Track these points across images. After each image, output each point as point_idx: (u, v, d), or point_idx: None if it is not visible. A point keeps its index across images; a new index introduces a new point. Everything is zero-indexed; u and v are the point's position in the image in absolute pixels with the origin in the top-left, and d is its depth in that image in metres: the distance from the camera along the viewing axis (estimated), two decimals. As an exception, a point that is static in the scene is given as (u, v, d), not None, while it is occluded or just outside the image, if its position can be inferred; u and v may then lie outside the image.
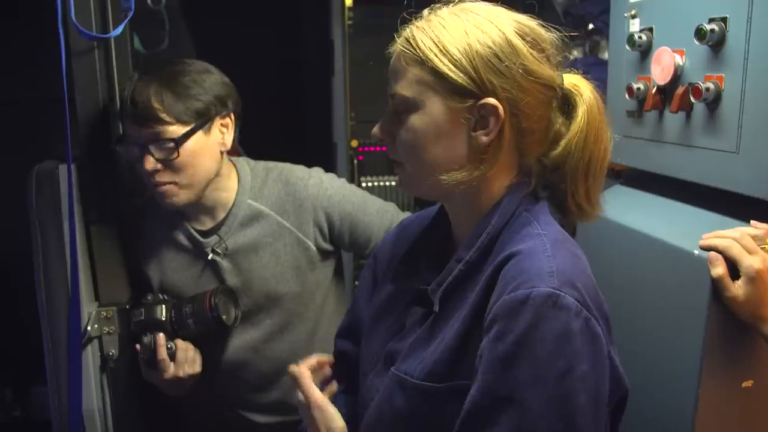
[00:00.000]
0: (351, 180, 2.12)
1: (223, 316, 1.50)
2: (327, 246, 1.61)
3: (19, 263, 1.66)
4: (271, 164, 1.63)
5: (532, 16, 0.97)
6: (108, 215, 1.57)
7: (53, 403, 1.60)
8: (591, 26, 2.14)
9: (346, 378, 1.22)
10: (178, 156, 1.42)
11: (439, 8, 0.97)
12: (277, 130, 1.86)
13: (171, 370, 1.50)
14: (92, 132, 1.53)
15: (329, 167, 2.10)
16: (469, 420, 0.85)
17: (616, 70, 1.58)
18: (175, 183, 1.45)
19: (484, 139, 0.93)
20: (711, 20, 1.23)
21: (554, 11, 2.32)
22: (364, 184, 2.19)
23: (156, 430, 1.76)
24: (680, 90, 1.31)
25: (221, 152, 1.51)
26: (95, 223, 1.56)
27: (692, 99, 1.28)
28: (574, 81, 0.98)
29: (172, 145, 1.41)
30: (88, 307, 1.56)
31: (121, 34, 1.53)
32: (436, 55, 0.91)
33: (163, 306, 1.53)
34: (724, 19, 1.21)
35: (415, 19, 0.97)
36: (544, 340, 0.81)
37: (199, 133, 1.44)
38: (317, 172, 1.62)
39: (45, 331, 1.58)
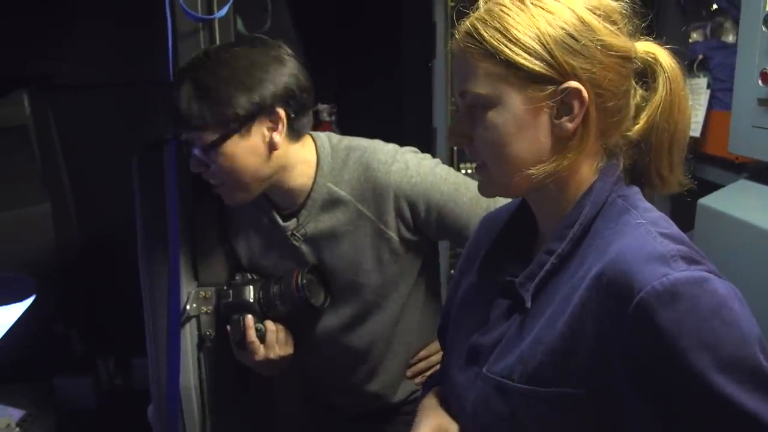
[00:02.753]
0: (450, 166, 2.06)
1: (311, 298, 1.46)
2: (411, 236, 1.49)
3: (125, 239, 1.71)
4: (355, 143, 1.50)
5: None
6: (209, 195, 1.58)
7: (152, 377, 1.64)
8: (714, 6, 1.98)
9: None
10: (211, 162, 1.36)
11: None
12: (375, 113, 1.84)
13: (261, 352, 1.48)
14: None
15: (428, 152, 2.06)
16: None
17: (747, 53, 1.45)
18: (224, 183, 1.41)
19: (570, 125, 0.87)
20: None
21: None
22: (463, 171, 2.13)
23: (250, 411, 1.78)
24: (827, 76, 1.18)
25: (271, 152, 1.39)
26: (196, 203, 1.58)
27: (842, 86, 1.15)
28: (648, 48, 0.91)
29: (202, 151, 1.36)
30: (187, 287, 1.58)
31: (225, 16, 1.54)
32: (506, 46, 0.85)
33: (251, 287, 1.51)
34: None
35: (472, 11, 0.91)
36: (706, 319, 0.76)
37: (235, 138, 1.35)
38: (404, 155, 1.47)
39: (146, 307, 1.62)
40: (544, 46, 0.85)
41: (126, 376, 2.71)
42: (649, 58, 0.91)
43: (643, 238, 0.83)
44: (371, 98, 1.62)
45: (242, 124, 1.34)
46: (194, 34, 1.51)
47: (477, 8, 0.91)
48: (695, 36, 2.10)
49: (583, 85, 0.85)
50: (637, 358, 0.79)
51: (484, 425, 0.95)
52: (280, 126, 1.38)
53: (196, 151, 1.37)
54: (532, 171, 0.88)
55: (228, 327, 1.51)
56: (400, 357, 1.62)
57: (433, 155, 2.00)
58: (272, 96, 1.35)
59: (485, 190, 0.98)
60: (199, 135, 1.34)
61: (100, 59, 2.34)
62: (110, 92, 2.37)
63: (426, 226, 1.48)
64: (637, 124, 0.91)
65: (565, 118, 0.87)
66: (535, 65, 0.85)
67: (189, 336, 1.59)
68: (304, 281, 1.46)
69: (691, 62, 2.05)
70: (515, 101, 0.87)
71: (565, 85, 0.85)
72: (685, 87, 0.93)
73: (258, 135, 1.37)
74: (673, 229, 0.86)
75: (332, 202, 1.47)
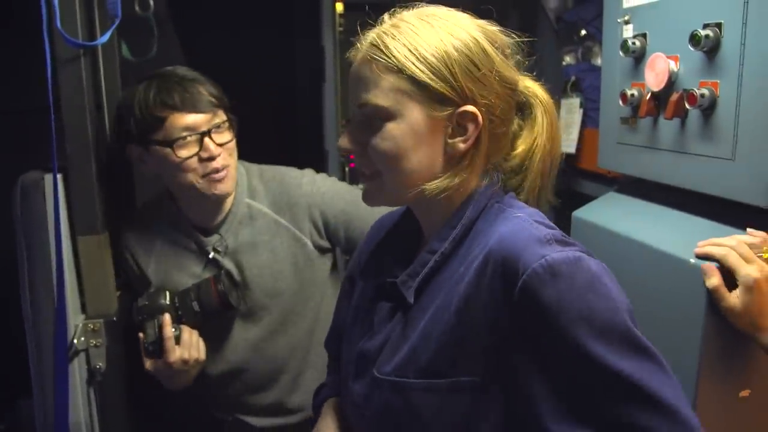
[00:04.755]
0: (342, 187, 2.10)
1: (229, 296, 1.52)
2: (323, 243, 1.64)
3: (5, 274, 1.63)
4: (264, 166, 1.67)
5: (490, 21, 0.98)
6: (95, 225, 1.54)
7: (39, 416, 1.57)
8: (584, 32, 2.13)
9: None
10: (233, 137, 1.52)
11: (401, 13, 0.95)
12: (268, 138, 1.86)
13: (177, 352, 1.49)
14: (79, 141, 1.50)
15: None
16: (563, 409, 0.84)
17: (609, 76, 1.57)
18: (230, 165, 1.52)
19: (462, 146, 0.93)
20: (706, 26, 1.22)
21: (546, 17, 2.31)
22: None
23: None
24: (675, 96, 1.30)
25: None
26: (82, 233, 1.53)
27: (687, 105, 1.27)
28: (528, 84, 1.00)
29: (228, 125, 1.51)
30: (75, 320, 1.53)
31: (108, 42, 1.51)
32: (413, 63, 0.89)
33: (167, 292, 1.54)
34: (718, 25, 1.21)
35: (378, 24, 0.95)
36: (583, 293, 0.82)
37: (231, 130, 1.54)
38: (309, 172, 1.66)
39: (30, 343, 1.55)
40: (450, 70, 0.89)
41: (11, 418, 2.55)
42: (527, 92, 0.99)
43: (520, 224, 0.90)
44: (263, 122, 1.64)
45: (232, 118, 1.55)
46: (75, 60, 1.47)
47: (381, 22, 0.95)
48: (568, 59, 2.25)
49: (479, 110, 0.91)
50: (525, 335, 0.85)
51: (385, 427, 0.97)
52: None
53: (219, 130, 1.50)
54: (426, 187, 0.93)
55: (140, 334, 1.51)
56: (318, 367, 1.67)
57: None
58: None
59: (372, 199, 1.00)
60: (221, 113, 1.51)
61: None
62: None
63: (335, 233, 1.62)
64: (516, 149, 0.99)
65: (458, 139, 0.93)
66: (440, 86, 0.90)
67: (77, 371, 1.53)
68: (221, 284, 1.52)
69: (565, 83, 2.19)
70: (416, 117, 0.91)
71: (464, 108, 0.91)
72: (557, 117, 1.03)
73: (233, 133, 1.56)
74: (546, 221, 0.94)
75: (251, 216, 1.59)
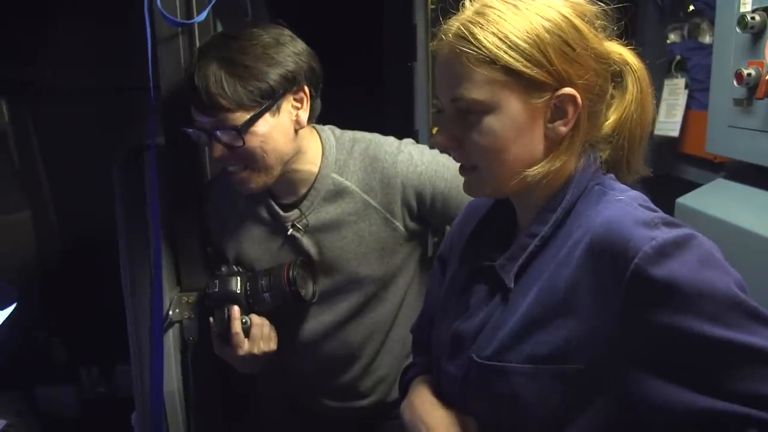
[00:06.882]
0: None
1: (301, 291, 1.43)
2: (415, 225, 1.50)
3: (107, 245, 1.70)
4: (359, 135, 1.51)
5: None
6: (191, 201, 1.58)
7: (136, 384, 1.63)
8: (691, 7, 2.00)
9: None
10: (244, 143, 1.32)
11: None
12: (356, 116, 1.85)
13: (245, 346, 1.44)
14: (176, 118, 1.53)
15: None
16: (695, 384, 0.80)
17: (722, 54, 1.47)
18: (248, 167, 1.37)
19: (563, 129, 0.90)
20: (839, -2, 1.11)
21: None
22: (444, 173, 2.15)
23: (235, 416, 1.77)
24: (799, 76, 1.20)
25: (296, 130, 1.40)
26: (178, 208, 1.57)
27: (814, 86, 1.17)
28: (617, 50, 0.95)
29: (235, 133, 1.32)
30: (170, 292, 1.57)
31: (204, 21, 1.53)
32: (505, 52, 0.86)
33: (238, 278, 1.46)
34: None
35: (460, 11, 0.92)
36: (698, 269, 0.79)
37: (266, 116, 1.33)
38: (407, 145, 1.49)
39: (129, 313, 1.61)
40: (543, 54, 0.86)
41: (109, 383, 2.69)
42: (619, 60, 0.94)
43: (624, 209, 0.86)
44: (352, 100, 1.62)
45: (275, 100, 1.34)
46: (173, 39, 1.51)
47: (463, 7, 0.92)
48: (673, 37, 2.12)
49: (577, 91, 0.88)
50: (640, 320, 0.81)
51: (484, 410, 0.96)
52: (305, 103, 1.39)
53: (226, 134, 1.33)
54: (529, 173, 0.90)
55: (211, 319, 1.47)
56: (395, 353, 1.60)
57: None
58: (299, 71, 1.36)
59: (475, 191, 0.99)
60: (231, 116, 1.31)
61: (80, 65, 2.32)
62: (90, 98, 2.36)
63: (431, 214, 1.49)
64: (607, 119, 0.95)
65: (558, 122, 0.90)
66: (535, 72, 0.87)
67: (172, 341, 1.58)
68: (295, 273, 1.42)
69: (669, 63, 2.07)
70: (514, 107, 0.88)
71: (562, 91, 0.88)
72: (650, 84, 0.97)
73: (286, 113, 1.37)
74: (650, 204, 0.90)
75: (337, 193, 1.46)
